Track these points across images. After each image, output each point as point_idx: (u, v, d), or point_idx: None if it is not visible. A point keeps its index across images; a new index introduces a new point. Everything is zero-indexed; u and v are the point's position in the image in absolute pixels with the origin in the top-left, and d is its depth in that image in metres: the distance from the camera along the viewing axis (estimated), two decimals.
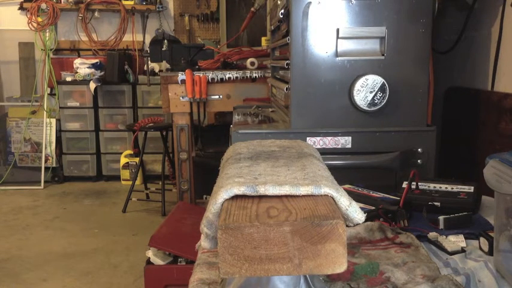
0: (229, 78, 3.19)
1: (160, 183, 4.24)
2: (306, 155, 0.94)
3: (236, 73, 3.19)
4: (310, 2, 1.67)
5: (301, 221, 0.63)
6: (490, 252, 1.04)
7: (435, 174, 1.78)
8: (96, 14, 5.38)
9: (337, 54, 1.69)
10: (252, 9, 3.26)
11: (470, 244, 1.14)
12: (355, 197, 1.19)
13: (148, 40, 4.84)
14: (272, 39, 2.50)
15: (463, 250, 1.09)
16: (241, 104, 2.99)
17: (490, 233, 1.07)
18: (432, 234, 1.17)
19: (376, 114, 1.71)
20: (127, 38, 5.49)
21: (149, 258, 2.40)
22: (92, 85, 4.98)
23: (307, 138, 1.72)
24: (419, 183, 1.41)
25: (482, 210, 1.35)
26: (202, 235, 0.78)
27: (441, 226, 1.22)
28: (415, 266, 1.00)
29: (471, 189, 1.35)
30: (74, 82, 5.16)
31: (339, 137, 1.73)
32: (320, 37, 1.69)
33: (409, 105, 1.72)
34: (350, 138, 1.73)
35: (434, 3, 1.69)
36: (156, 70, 5.17)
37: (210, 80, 3.16)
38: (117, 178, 5.18)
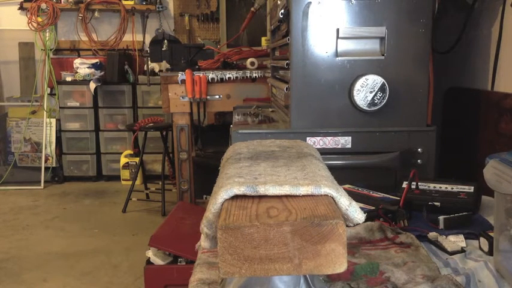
0: (229, 78, 3.19)
1: (160, 183, 4.24)
2: (306, 155, 0.94)
3: (236, 73, 3.19)
4: (310, 2, 1.67)
5: (301, 221, 0.63)
6: (490, 252, 1.04)
7: (435, 174, 1.78)
8: (96, 14, 5.38)
9: (337, 54, 1.69)
10: (252, 9, 3.26)
11: (470, 244, 1.14)
12: (355, 197, 1.18)
13: (148, 40, 4.85)
14: (272, 39, 2.50)
15: (463, 250, 1.09)
16: (241, 104, 2.99)
17: (490, 233, 1.08)
18: (432, 234, 1.17)
19: (376, 114, 1.71)
20: (127, 38, 5.49)
21: (149, 258, 2.40)
22: (92, 85, 4.98)
23: (307, 138, 1.72)
24: (419, 183, 1.41)
25: (482, 210, 1.35)
26: (202, 235, 0.78)
27: (441, 226, 1.22)
28: (415, 266, 1.00)
29: (471, 189, 1.35)
30: (74, 82, 5.16)
31: (339, 137, 1.73)
32: (320, 37, 1.69)
33: (409, 105, 1.72)
34: (350, 138, 1.73)
35: (434, 3, 1.69)
36: (156, 70, 5.17)
37: (210, 80, 3.16)
38: (117, 178, 5.18)
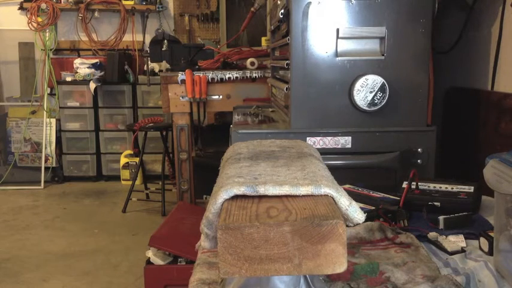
0: (229, 78, 3.18)
1: (160, 183, 4.24)
2: (306, 155, 0.94)
3: (236, 73, 3.19)
4: (310, 2, 1.67)
5: (301, 221, 0.63)
6: (490, 252, 1.04)
7: (435, 174, 1.78)
8: (96, 14, 5.38)
9: (337, 54, 1.69)
10: (252, 9, 3.25)
11: (470, 244, 1.14)
12: (355, 197, 1.19)
13: (148, 40, 4.84)
14: (272, 39, 2.50)
15: (463, 250, 1.09)
16: (241, 104, 2.99)
17: (490, 233, 1.07)
18: (432, 234, 1.17)
19: (376, 114, 1.71)
20: (127, 38, 5.49)
21: (149, 258, 2.40)
22: (92, 85, 4.98)
23: (307, 138, 1.72)
24: (419, 183, 1.41)
25: (482, 210, 1.35)
26: (202, 235, 0.78)
27: (441, 226, 1.22)
28: (415, 266, 1.00)
29: (471, 189, 1.35)
30: (74, 82, 5.15)
31: (339, 137, 1.73)
32: (320, 37, 1.69)
33: (409, 105, 1.72)
34: (350, 138, 1.73)
35: (434, 3, 1.69)
36: (156, 70, 5.17)
37: (210, 80, 3.16)
38: (117, 178, 5.18)
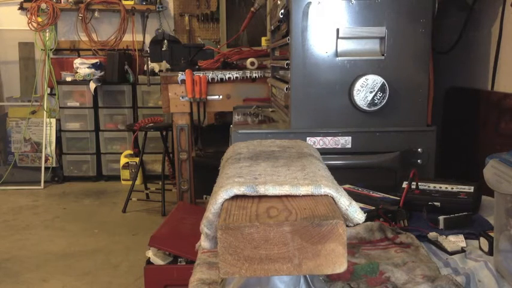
0: (229, 78, 3.18)
1: (160, 183, 4.24)
2: (306, 155, 0.94)
3: (236, 73, 3.19)
4: (310, 2, 1.67)
5: (301, 221, 0.63)
6: (490, 252, 1.04)
7: (435, 174, 1.78)
8: (96, 14, 5.38)
9: (337, 54, 1.69)
10: (252, 9, 3.25)
11: (470, 244, 1.14)
12: (355, 197, 1.19)
13: (148, 40, 4.84)
14: (272, 39, 2.50)
15: (463, 250, 1.10)
16: (241, 104, 2.99)
17: (490, 233, 1.08)
18: (432, 234, 1.17)
19: (376, 114, 1.71)
20: (127, 38, 5.49)
21: (149, 258, 2.40)
22: (92, 85, 4.98)
23: (307, 138, 1.72)
24: (419, 183, 1.41)
25: (482, 210, 1.35)
26: (202, 235, 0.78)
27: (441, 226, 1.22)
28: (415, 266, 1.00)
29: (471, 189, 1.35)
30: (74, 82, 5.16)
31: (339, 137, 1.73)
32: (320, 37, 1.69)
33: (409, 105, 1.72)
34: (350, 138, 1.73)
35: (434, 3, 1.69)
36: (156, 70, 5.17)
37: (210, 80, 3.16)
38: (117, 178, 5.18)
